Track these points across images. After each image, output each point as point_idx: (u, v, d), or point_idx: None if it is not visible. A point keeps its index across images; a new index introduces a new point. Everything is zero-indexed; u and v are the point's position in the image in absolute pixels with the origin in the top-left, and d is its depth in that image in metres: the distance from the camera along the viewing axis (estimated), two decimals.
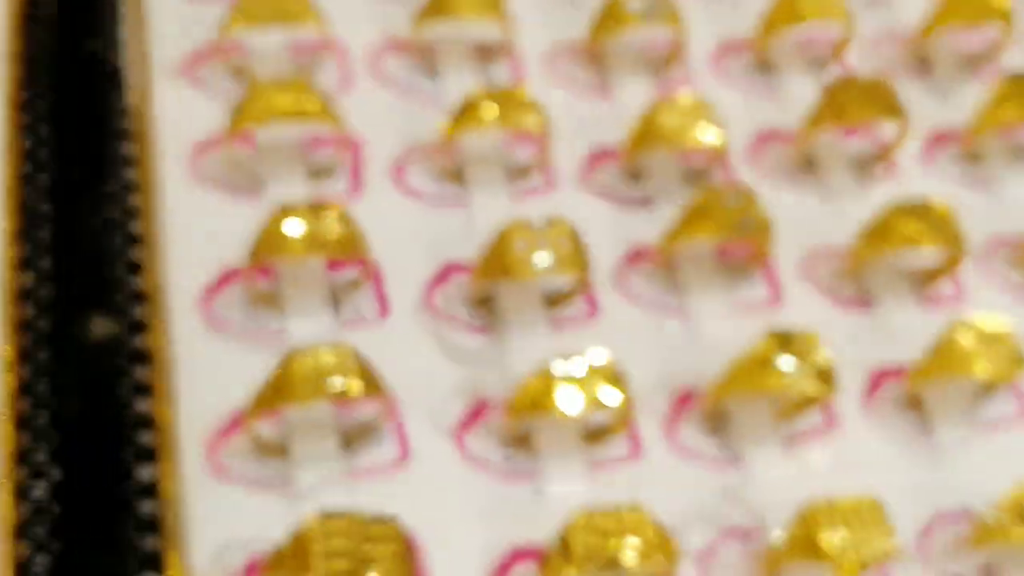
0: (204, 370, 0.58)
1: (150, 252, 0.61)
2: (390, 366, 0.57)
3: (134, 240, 0.61)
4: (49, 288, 0.59)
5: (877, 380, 0.64)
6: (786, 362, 0.58)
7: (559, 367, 0.57)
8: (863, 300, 0.67)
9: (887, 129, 0.72)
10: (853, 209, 0.70)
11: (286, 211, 0.59)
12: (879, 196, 0.69)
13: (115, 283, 0.60)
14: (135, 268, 0.61)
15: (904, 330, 0.66)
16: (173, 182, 0.64)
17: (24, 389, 0.56)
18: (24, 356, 0.57)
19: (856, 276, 0.67)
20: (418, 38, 0.71)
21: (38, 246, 0.61)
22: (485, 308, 0.63)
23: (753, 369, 0.59)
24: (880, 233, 0.65)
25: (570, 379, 0.56)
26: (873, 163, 0.72)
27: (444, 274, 0.64)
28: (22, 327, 0.58)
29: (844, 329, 0.65)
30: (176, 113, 0.67)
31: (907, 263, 0.68)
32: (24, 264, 0.60)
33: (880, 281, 0.67)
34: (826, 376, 0.59)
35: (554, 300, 0.64)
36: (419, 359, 0.61)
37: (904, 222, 0.65)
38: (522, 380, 0.57)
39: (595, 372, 0.57)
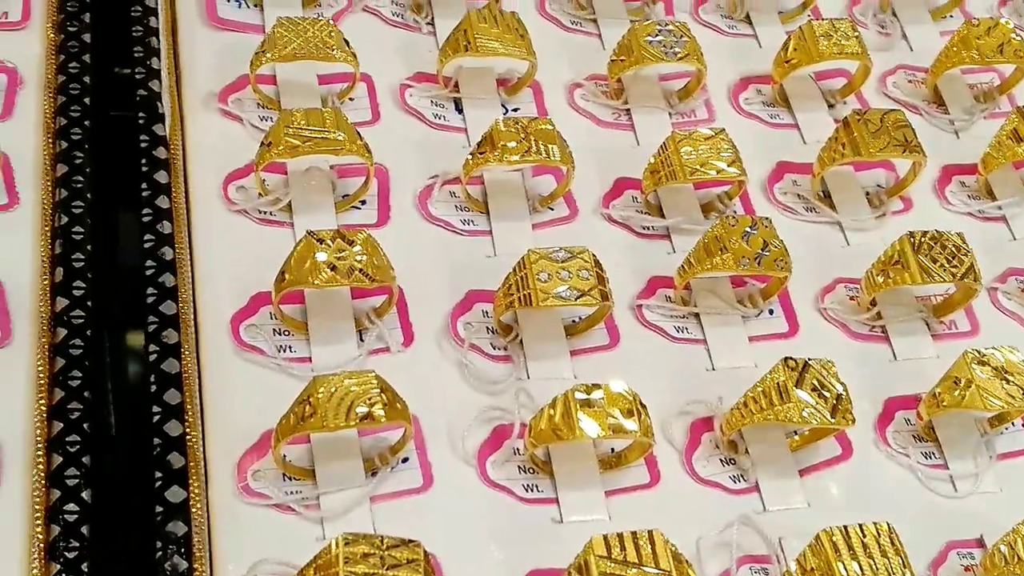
0: (233, 394, 0.60)
1: (182, 277, 0.62)
2: (413, 392, 0.59)
3: (166, 266, 0.63)
4: (82, 312, 0.60)
5: (890, 410, 0.65)
6: (802, 392, 0.59)
7: (579, 395, 0.58)
8: (878, 331, 0.68)
9: (902, 163, 0.73)
10: (869, 242, 0.71)
11: (314, 239, 0.60)
12: (894, 228, 0.70)
13: (147, 308, 0.61)
14: (167, 293, 0.62)
15: (918, 361, 0.67)
16: (205, 209, 0.66)
17: (57, 411, 0.57)
18: (57, 379, 0.58)
19: (871, 307, 0.68)
20: (443, 72, 0.73)
21: (72, 272, 0.62)
22: (508, 336, 0.64)
23: (769, 398, 0.60)
24: (895, 265, 0.66)
25: (590, 407, 0.57)
26: (888, 197, 0.74)
27: (467, 302, 0.65)
28: (55, 350, 0.59)
29: (859, 360, 0.66)
30: (208, 142, 0.68)
31: (921, 295, 0.69)
32: (58, 289, 0.61)
33: (895, 312, 0.68)
34: (841, 406, 0.60)
35: (575, 329, 0.65)
36: (443, 386, 0.62)
37: (920, 254, 0.66)
38: (543, 407, 0.58)
39: (614, 400, 0.58)
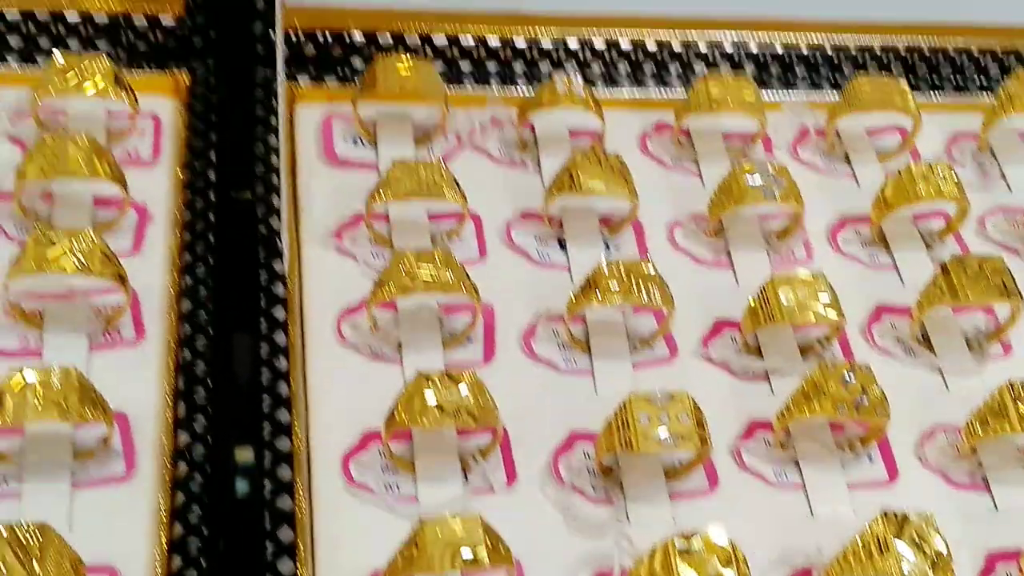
0: (341, 532, 0.62)
1: (296, 414, 0.65)
2: (516, 534, 0.60)
3: (282, 402, 0.65)
4: (203, 448, 0.63)
5: (992, 563, 0.65)
6: (901, 546, 0.60)
7: (679, 544, 0.58)
8: (978, 481, 0.68)
9: (1001, 308, 0.74)
10: (968, 387, 0.71)
11: (424, 380, 0.62)
12: (994, 375, 0.71)
13: (263, 444, 0.64)
14: (282, 429, 0.64)
15: (1020, 512, 0.67)
16: (319, 346, 0.69)
17: (176, 546, 0.60)
18: (175, 515, 0.61)
19: (971, 456, 0.68)
20: (548, 211, 0.75)
21: (193, 406, 0.65)
22: (608, 478, 0.65)
23: (868, 551, 0.60)
24: (995, 414, 0.66)
25: (689, 556, 0.58)
26: (988, 341, 0.74)
27: (569, 442, 0.67)
28: (176, 487, 0.62)
29: (959, 510, 0.66)
30: (324, 279, 0.72)
31: (1022, 445, 0.69)
32: (180, 425, 0.64)
33: (995, 462, 0.68)
34: (941, 562, 0.60)
35: (675, 472, 0.66)
36: (544, 528, 0.63)
37: (1019, 403, 0.66)
38: (643, 554, 0.59)
39: (713, 549, 0.59)
